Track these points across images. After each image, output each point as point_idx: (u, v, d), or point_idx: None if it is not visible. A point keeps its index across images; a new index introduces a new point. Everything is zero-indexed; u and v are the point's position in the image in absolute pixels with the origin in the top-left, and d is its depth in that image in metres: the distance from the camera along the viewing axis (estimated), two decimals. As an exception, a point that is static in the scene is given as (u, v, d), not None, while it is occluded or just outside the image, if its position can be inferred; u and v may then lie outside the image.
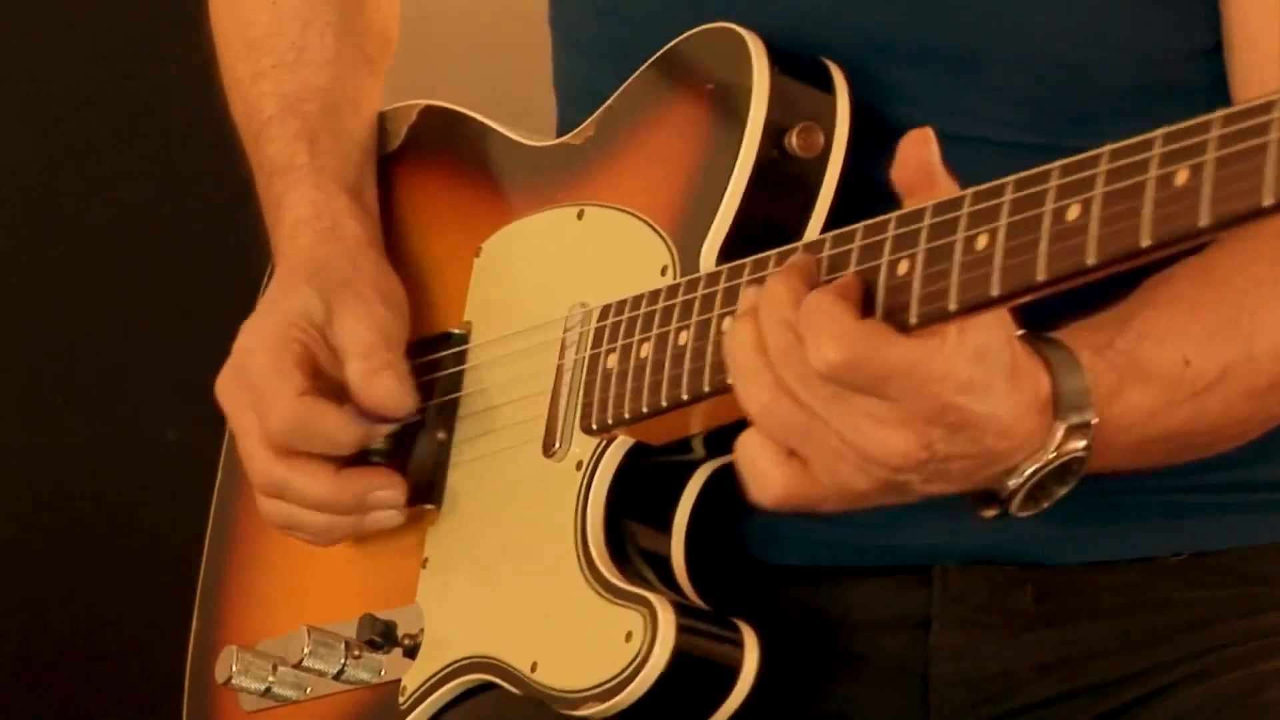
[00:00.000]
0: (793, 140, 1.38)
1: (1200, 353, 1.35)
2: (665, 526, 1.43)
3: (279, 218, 1.64)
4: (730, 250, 1.39)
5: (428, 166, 1.75)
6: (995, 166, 1.18)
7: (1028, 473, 1.26)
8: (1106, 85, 1.48)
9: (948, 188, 1.21)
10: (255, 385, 1.54)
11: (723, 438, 1.38)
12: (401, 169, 1.73)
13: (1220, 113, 1.03)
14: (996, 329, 1.17)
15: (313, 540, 1.60)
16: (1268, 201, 0.98)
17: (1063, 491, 1.27)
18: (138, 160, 2.91)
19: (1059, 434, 1.24)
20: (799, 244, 1.32)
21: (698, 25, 1.49)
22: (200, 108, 2.07)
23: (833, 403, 1.19)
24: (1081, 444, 1.25)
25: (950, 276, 1.16)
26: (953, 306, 1.15)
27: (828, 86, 1.42)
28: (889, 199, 1.22)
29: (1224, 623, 1.55)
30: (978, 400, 1.18)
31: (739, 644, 1.36)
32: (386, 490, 1.54)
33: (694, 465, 1.44)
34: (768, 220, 1.40)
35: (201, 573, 1.81)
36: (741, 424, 1.28)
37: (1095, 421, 1.26)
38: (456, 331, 1.58)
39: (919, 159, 1.21)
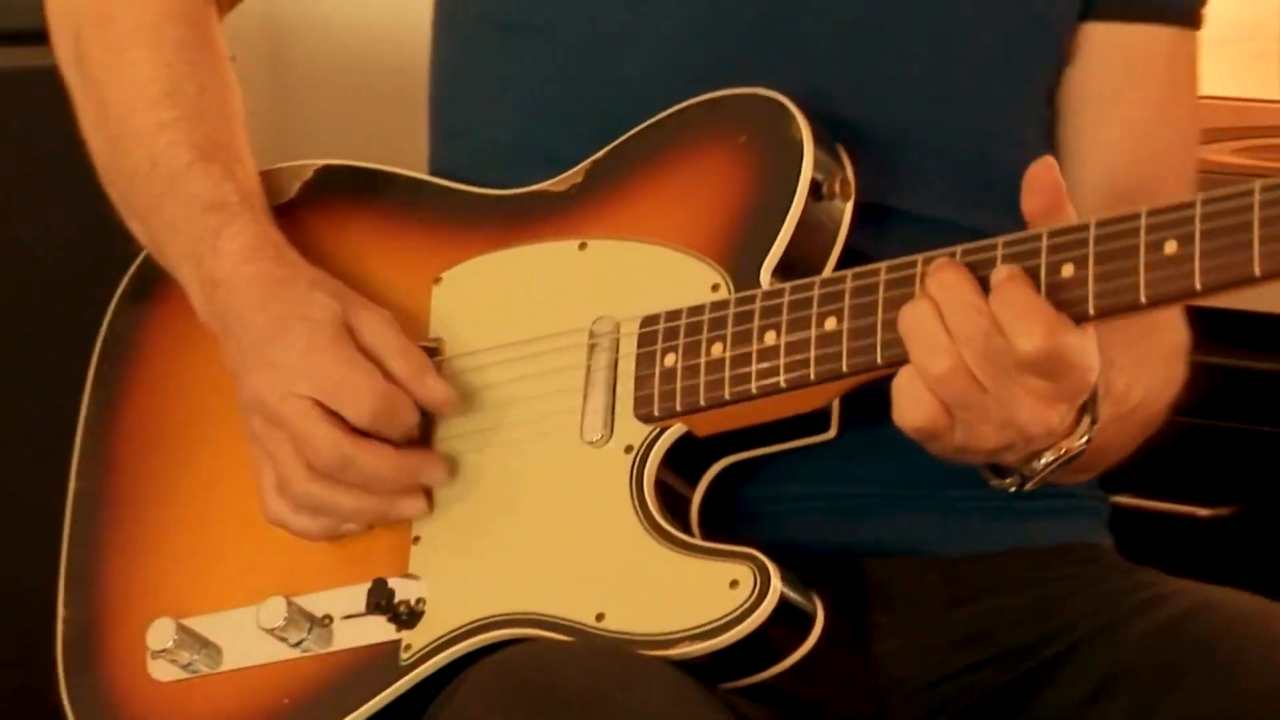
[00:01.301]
0: (835, 186, 1.48)
1: (1134, 379, 1.48)
2: (688, 505, 1.50)
3: (215, 247, 1.59)
4: (780, 272, 1.48)
5: (342, 217, 1.75)
6: (921, 239, 1.34)
7: (1060, 454, 1.37)
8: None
9: (1073, 211, 1.33)
10: (329, 377, 1.53)
11: (748, 436, 1.49)
12: (308, 220, 1.74)
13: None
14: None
15: (329, 527, 1.58)
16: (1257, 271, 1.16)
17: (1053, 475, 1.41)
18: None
19: (1086, 425, 1.36)
20: (915, 257, 1.40)
21: (683, 96, 1.56)
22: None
23: (1004, 379, 1.29)
24: (1088, 439, 1.37)
25: (1133, 275, 1.27)
26: (1144, 299, 1.26)
27: (837, 148, 1.55)
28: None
29: (1097, 588, 1.64)
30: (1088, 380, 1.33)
31: (813, 599, 1.42)
32: (434, 468, 1.56)
33: (717, 456, 1.51)
34: (808, 250, 1.49)
35: (64, 553, 1.75)
36: (792, 421, 1.44)
37: (1098, 422, 1.40)
38: (427, 344, 1.59)
39: (1050, 182, 1.33)
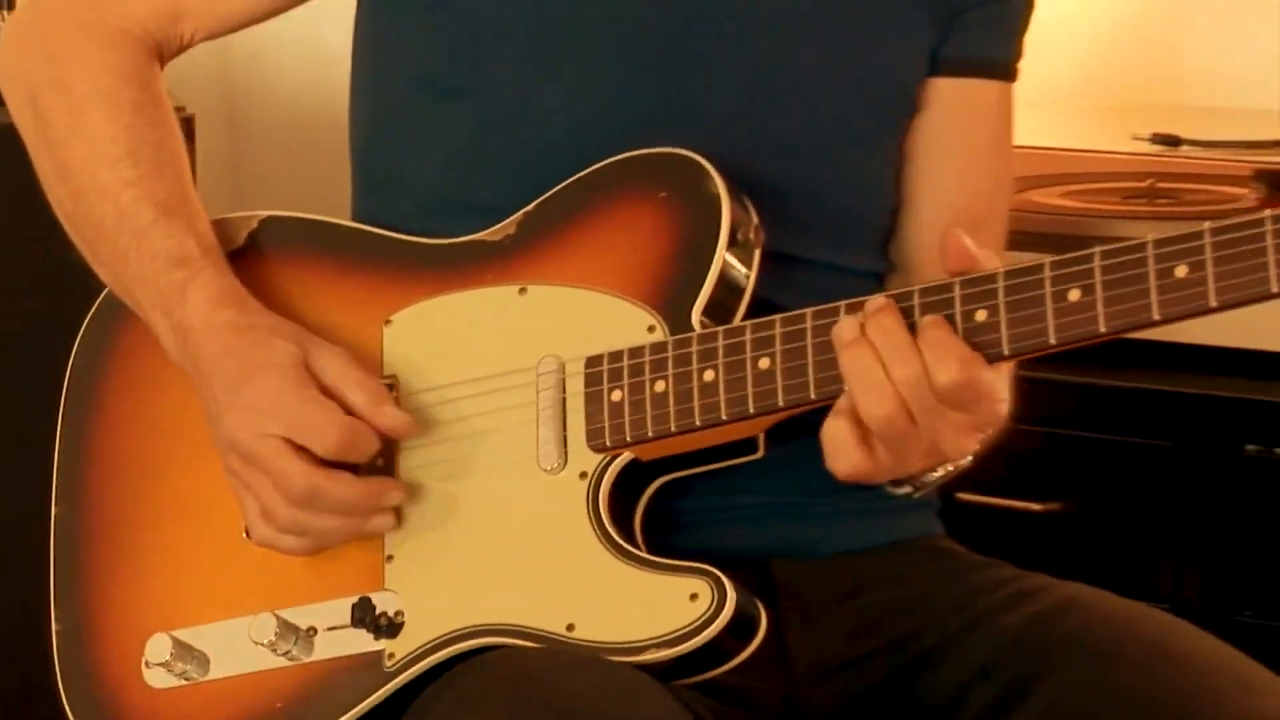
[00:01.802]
0: (749, 234, 1.60)
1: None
2: (633, 520, 1.61)
3: (184, 298, 1.68)
4: (706, 313, 1.60)
5: (289, 265, 1.84)
6: (808, 280, 1.55)
7: (955, 469, 1.54)
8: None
9: (988, 260, 1.46)
10: (296, 417, 1.61)
11: (686, 458, 1.61)
12: (256, 268, 1.83)
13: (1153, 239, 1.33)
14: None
15: (314, 545, 1.68)
16: (1213, 303, 1.32)
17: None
18: None
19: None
20: (838, 304, 1.53)
21: (599, 158, 1.67)
22: None
23: (932, 414, 1.43)
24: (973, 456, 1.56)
25: (1042, 320, 1.40)
26: (1053, 341, 1.40)
27: (745, 200, 1.66)
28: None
29: (960, 581, 1.75)
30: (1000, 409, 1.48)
31: (758, 606, 1.53)
32: (394, 492, 1.65)
33: (655, 476, 1.62)
34: (728, 292, 1.61)
35: (52, 571, 1.85)
36: (726, 445, 1.57)
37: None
38: (384, 380, 1.70)
39: (963, 248, 1.47)
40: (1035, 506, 2.26)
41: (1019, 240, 1.75)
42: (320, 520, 1.59)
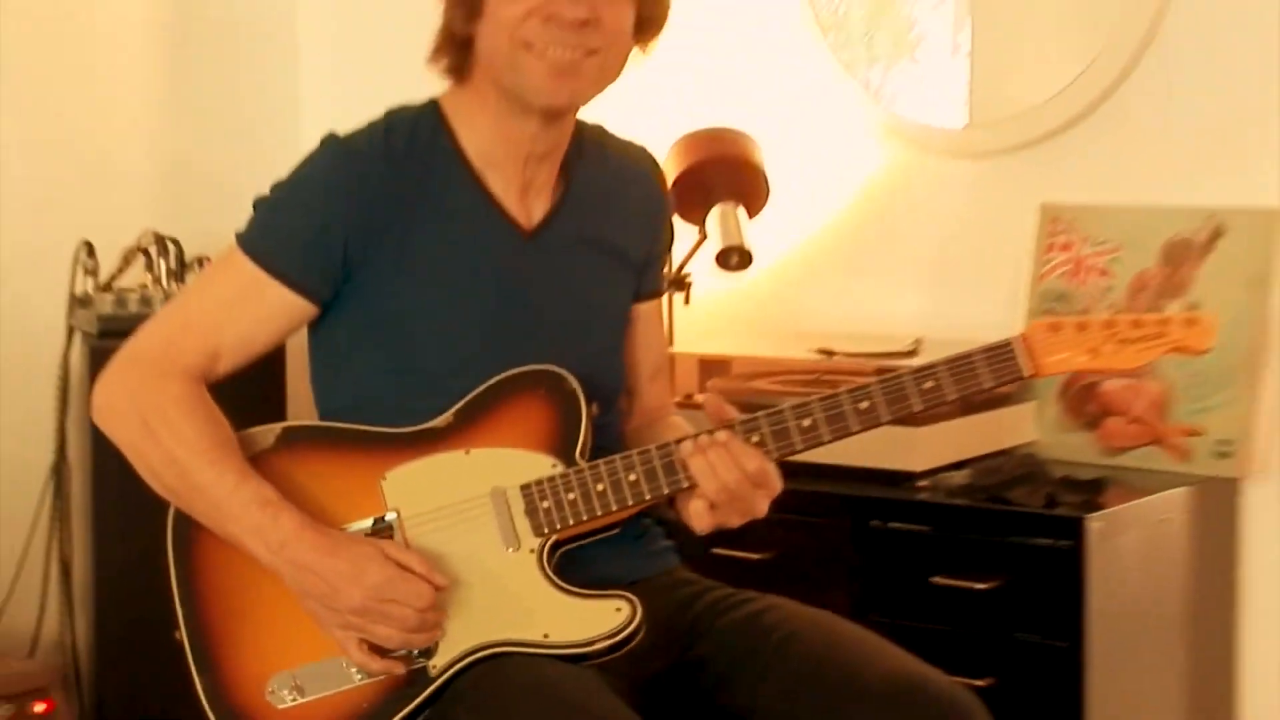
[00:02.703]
0: (593, 408, 2.06)
1: None
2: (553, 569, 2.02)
3: (277, 523, 1.97)
4: (581, 454, 2.02)
5: (306, 452, 2.10)
6: (600, 431, 2.03)
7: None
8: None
9: (733, 412, 1.98)
10: (400, 587, 1.96)
11: (582, 535, 2.03)
12: (285, 456, 2.08)
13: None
14: None
15: (402, 624, 1.97)
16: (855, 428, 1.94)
17: None
18: None
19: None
20: (668, 441, 1.99)
21: (502, 371, 2.07)
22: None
23: (742, 489, 1.94)
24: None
25: (788, 438, 1.96)
26: (799, 447, 1.95)
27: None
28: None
29: (701, 598, 2.15)
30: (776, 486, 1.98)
31: (639, 612, 1.97)
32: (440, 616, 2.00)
33: (569, 543, 2.03)
34: (587, 441, 2.04)
35: (187, 641, 2.08)
36: (606, 526, 2.01)
37: None
38: (389, 515, 2.03)
39: (717, 406, 2.00)
40: (754, 556, 2.79)
41: (755, 405, 2.04)
42: (425, 635, 1.99)
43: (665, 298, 2.50)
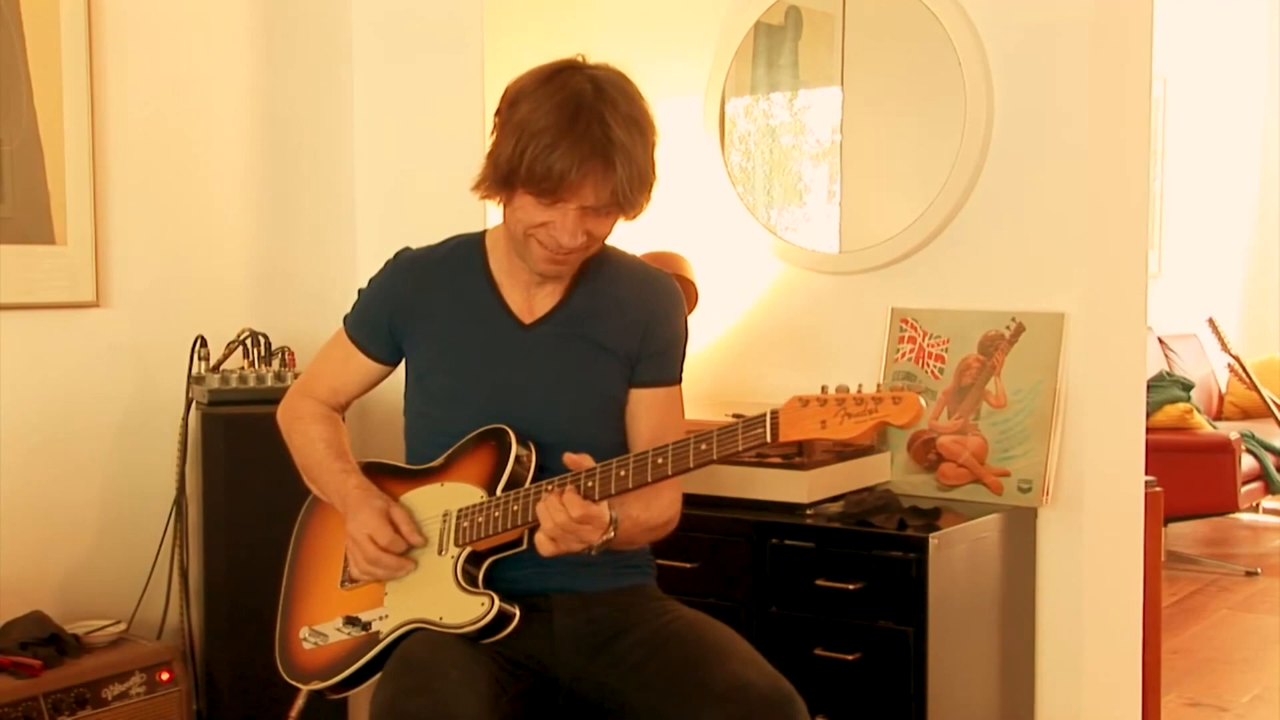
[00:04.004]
0: (527, 460, 2.04)
1: (640, 511, 2.04)
2: (478, 576, 2.03)
3: (344, 483, 2.12)
4: (506, 489, 2.02)
5: (376, 476, 2.19)
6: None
7: (601, 543, 1.93)
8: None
9: (590, 462, 1.90)
10: (376, 530, 2.03)
11: (500, 548, 2.02)
12: (369, 478, 2.17)
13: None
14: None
15: (380, 576, 2.05)
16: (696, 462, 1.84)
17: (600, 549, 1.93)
18: None
19: (611, 532, 1.93)
20: (563, 477, 1.93)
21: (486, 425, 2.08)
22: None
23: (574, 528, 1.88)
24: (611, 536, 1.94)
25: (609, 486, 1.89)
26: (615, 491, 1.88)
27: (529, 443, 2.07)
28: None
29: (645, 606, 2.11)
30: (604, 522, 1.91)
31: (514, 607, 1.98)
32: (408, 565, 2.06)
33: (487, 556, 2.04)
34: (513, 481, 2.03)
35: (283, 585, 2.24)
36: (513, 542, 1.99)
37: (616, 528, 1.94)
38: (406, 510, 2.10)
39: (576, 461, 1.91)
40: (687, 565, 2.77)
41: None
42: (378, 570, 2.06)
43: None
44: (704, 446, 1.82)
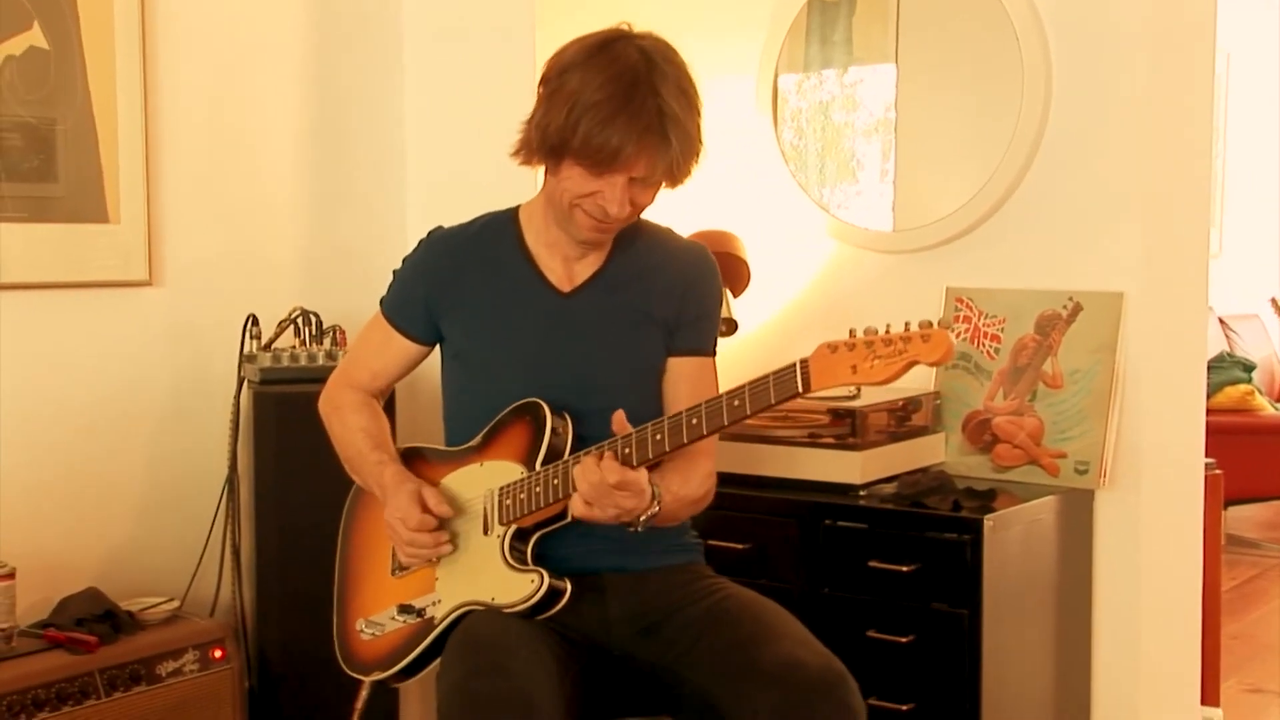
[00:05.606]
0: (564, 434, 2.02)
1: (680, 484, 2.02)
2: (526, 552, 2.02)
3: (381, 474, 2.10)
4: (544, 463, 2.00)
5: (412, 459, 2.20)
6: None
7: (645, 517, 1.92)
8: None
9: (629, 427, 1.88)
10: (408, 515, 2.03)
11: (544, 524, 2.00)
12: (406, 461, 2.18)
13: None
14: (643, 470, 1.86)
15: (422, 557, 2.06)
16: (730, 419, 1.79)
17: (645, 526, 1.91)
18: None
19: (654, 505, 1.91)
20: (599, 445, 1.91)
21: (522, 399, 2.07)
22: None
23: (609, 492, 1.86)
24: (655, 511, 1.91)
25: (646, 449, 1.86)
26: (652, 456, 1.86)
27: (565, 417, 2.04)
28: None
29: (692, 585, 2.10)
30: (643, 490, 1.87)
31: (565, 582, 1.96)
32: (445, 545, 2.06)
33: (534, 532, 2.03)
34: (552, 453, 2.01)
35: (336, 580, 2.26)
36: (557, 516, 1.95)
37: (660, 502, 1.92)
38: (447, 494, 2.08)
39: (620, 424, 1.89)
40: (739, 546, 2.79)
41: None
42: (416, 552, 2.06)
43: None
44: (736, 403, 1.79)
